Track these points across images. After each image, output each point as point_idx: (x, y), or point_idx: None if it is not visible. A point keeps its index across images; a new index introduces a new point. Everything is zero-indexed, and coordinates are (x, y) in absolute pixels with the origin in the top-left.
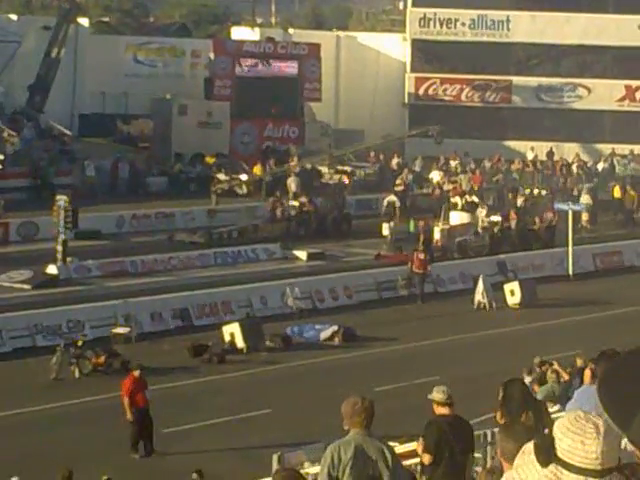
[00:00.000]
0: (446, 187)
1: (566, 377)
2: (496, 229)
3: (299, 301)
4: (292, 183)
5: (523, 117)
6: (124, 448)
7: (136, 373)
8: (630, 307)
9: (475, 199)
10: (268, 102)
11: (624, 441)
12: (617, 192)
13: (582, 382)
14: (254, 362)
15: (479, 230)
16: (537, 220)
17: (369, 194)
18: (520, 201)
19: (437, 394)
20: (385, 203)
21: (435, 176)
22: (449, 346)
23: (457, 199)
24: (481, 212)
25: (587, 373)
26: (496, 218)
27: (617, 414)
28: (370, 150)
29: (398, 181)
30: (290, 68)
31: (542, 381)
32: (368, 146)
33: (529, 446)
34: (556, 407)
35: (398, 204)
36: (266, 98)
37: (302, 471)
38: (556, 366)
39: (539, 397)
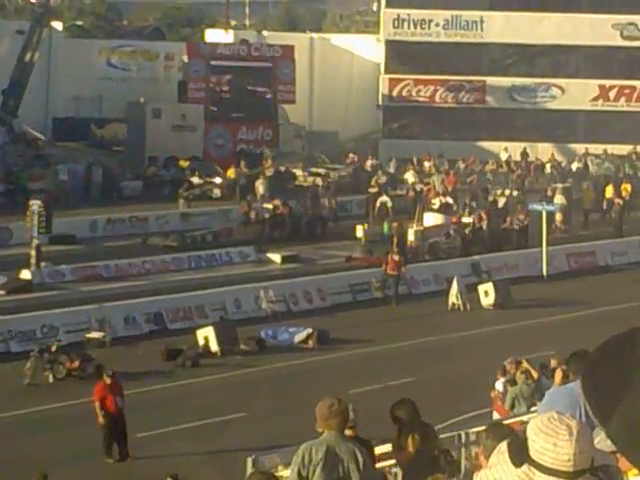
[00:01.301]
0: (420, 188)
1: (535, 375)
2: (467, 230)
3: (273, 304)
4: (260, 186)
5: (497, 117)
6: (99, 453)
7: (107, 379)
8: (604, 307)
9: (449, 200)
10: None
11: (597, 441)
12: (609, 192)
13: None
14: (228, 365)
15: (451, 231)
16: (509, 220)
17: (343, 196)
18: (491, 202)
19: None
20: (378, 204)
21: (410, 177)
22: (424, 348)
23: (434, 200)
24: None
25: (558, 374)
26: (468, 219)
27: (598, 408)
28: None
29: (372, 182)
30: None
31: (515, 382)
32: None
33: (503, 445)
34: (523, 408)
35: (390, 204)
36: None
37: (276, 474)
38: (524, 364)
39: (508, 398)
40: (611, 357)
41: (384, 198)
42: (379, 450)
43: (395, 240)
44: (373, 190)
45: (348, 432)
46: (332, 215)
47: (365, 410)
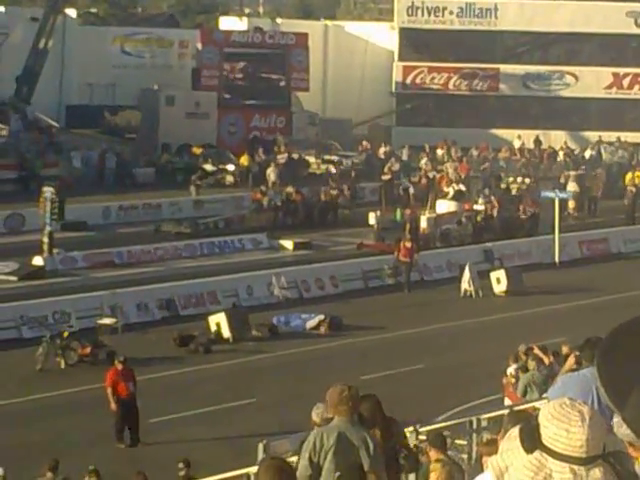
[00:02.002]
0: (433, 175)
1: (547, 361)
2: (479, 218)
3: (285, 290)
4: (271, 173)
5: (510, 105)
6: (110, 438)
7: (119, 365)
8: (616, 294)
9: (462, 187)
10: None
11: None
12: (628, 180)
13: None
14: (240, 352)
15: (463, 219)
16: (520, 209)
17: (355, 183)
18: (504, 189)
19: (316, 416)
20: (401, 191)
21: (424, 164)
22: (435, 334)
23: (447, 188)
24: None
25: (571, 360)
26: (479, 207)
27: (613, 393)
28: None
29: (385, 170)
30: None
31: (526, 369)
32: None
33: (515, 431)
34: (535, 395)
35: (412, 190)
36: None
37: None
38: (536, 350)
39: (520, 385)
40: (625, 342)
41: (406, 184)
42: None
43: (408, 227)
44: (386, 177)
45: None
46: (348, 203)
47: (377, 396)
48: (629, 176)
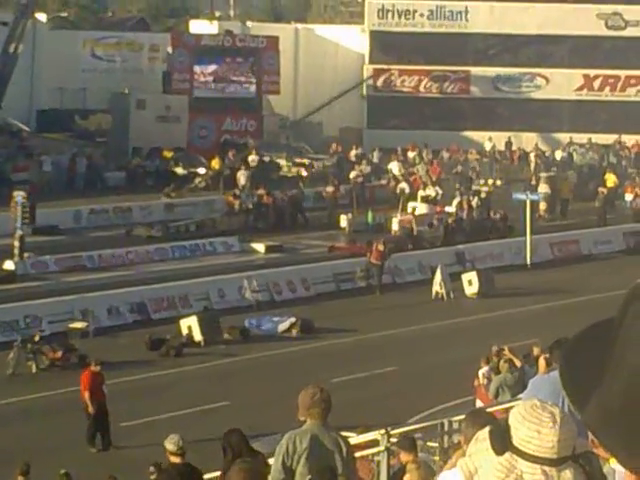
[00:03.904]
0: (405, 178)
1: (518, 363)
2: (450, 220)
3: (257, 294)
4: (241, 177)
5: (481, 107)
6: (82, 442)
7: (95, 368)
8: (587, 295)
9: (438, 190)
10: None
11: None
12: (611, 181)
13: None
14: (212, 355)
15: (434, 221)
16: (491, 213)
17: (326, 185)
18: (475, 192)
19: (169, 445)
20: (397, 190)
21: (394, 167)
22: (407, 336)
23: (421, 191)
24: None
25: (541, 362)
26: (450, 209)
27: (574, 394)
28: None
29: (352, 174)
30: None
31: (498, 371)
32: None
33: (483, 433)
34: (507, 396)
35: (408, 190)
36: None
37: None
38: (507, 351)
39: (492, 387)
40: (588, 344)
41: (402, 185)
42: (364, 438)
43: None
44: (357, 180)
45: (177, 459)
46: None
47: (348, 399)
48: (611, 177)
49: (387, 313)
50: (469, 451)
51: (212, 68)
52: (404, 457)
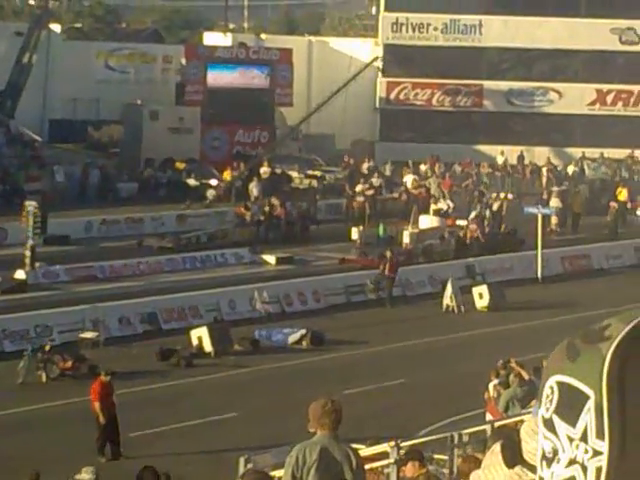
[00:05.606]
0: (418, 191)
1: (525, 375)
2: (462, 233)
3: (267, 305)
4: (254, 188)
5: (494, 121)
6: (91, 452)
7: (105, 378)
8: (598, 310)
9: (450, 203)
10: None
11: None
12: (622, 195)
13: None
14: (222, 366)
15: (445, 234)
16: (502, 226)
17: (337, 198)
18: (486, 205)
19: (85, 475)
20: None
21: (409, 181)
22: (417, 349)
23: (433, 204)
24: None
25: None
26: (462, 222)
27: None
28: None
29: (358, 187)
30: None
31: (507, 385)
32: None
33: (497, 447)
34: (518, 410)
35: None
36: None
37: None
38: (513, 364)
39: (502, 401)
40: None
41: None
42: (374, 450)
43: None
44: (369, 193)
45: None
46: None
47: (359, 411)
48: (623, 192)
49: (398, 326)
50: (484, 463)
51: (225, 80)
52: (410, 469)
